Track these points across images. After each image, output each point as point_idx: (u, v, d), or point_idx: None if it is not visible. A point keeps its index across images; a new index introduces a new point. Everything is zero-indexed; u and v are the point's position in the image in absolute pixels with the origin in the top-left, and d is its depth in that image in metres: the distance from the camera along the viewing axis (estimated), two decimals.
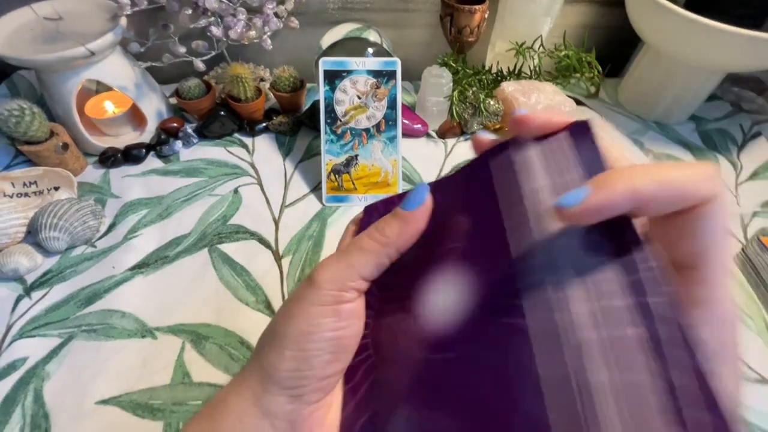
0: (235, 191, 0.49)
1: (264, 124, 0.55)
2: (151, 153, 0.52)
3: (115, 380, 0.34)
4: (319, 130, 0.47)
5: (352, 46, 0.51)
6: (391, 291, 0.21)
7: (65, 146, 0.46)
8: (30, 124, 0.43)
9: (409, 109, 0.56)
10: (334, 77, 0.45)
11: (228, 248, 0.43)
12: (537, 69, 0.59)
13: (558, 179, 0.16)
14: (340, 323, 0.20)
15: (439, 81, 0.53)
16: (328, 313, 0.20)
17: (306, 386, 0.19)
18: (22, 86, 0.56)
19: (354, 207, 0.48)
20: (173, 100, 0.57)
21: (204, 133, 0.54)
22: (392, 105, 0.46)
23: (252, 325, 0.38)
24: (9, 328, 0.37)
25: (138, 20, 0.49)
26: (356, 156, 0.47)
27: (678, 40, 0.50)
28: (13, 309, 0.38)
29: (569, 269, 0.15)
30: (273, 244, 0.44)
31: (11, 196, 0.44)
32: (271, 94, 0.57)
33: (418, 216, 0.20)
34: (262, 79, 0.61)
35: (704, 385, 0.12)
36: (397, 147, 0.47)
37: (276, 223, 0.46)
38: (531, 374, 0.14)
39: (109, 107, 0.53)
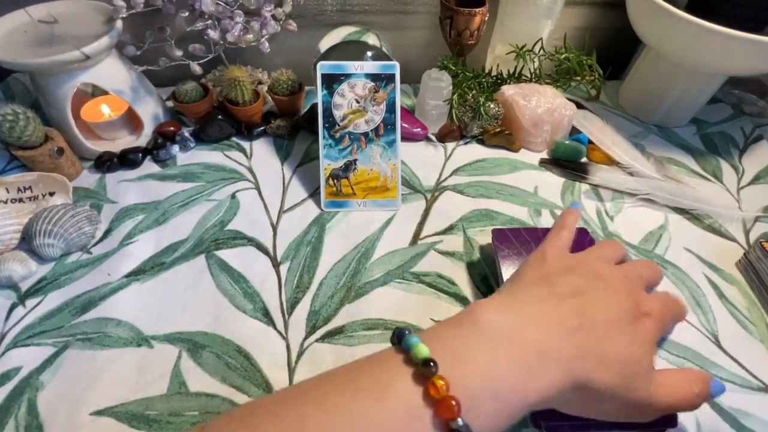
0: (233, 196, 0.48)
1: (262, 128, 0.55)
2: (148, 157, 0.52)
3: (110, 390, 0.34)
4: (317, 134, 0.46)
5: (351, 49, 0.51)
6: None
7: (60, 151, 0.46)
8: (24, 129, 0.43)
9: (409, 113, 0.56)
10: (332, 81, 0.45)
11: (225, 254, 0.43)
12: (537, 72, 0.59)
13: None
14: None
15: (438, 84, 0.53)
16: None
17: None
18: (17, 90, 0.56)
19: (353, 212, 0.47)
20: (170, 104, 0.57)
21: (201, 137, 0.54)
22: (391, 109, 0.46)
23: (250, 332, 0.37)
24: (3, 336, 0.36)
25: (134, 23, 0.49)
26: (355, 160, 0.47)
27: (679, 43, 0.50)
28: (7, 317, 0.38)
29: None
30: (271, 250, 0.43)
31: (5, 202, 0.44)
32: (269, 97, 0.56)
33: None
34: (259, 82, 0.61)
35: None
36: (397, 151, 0.47)
37: (274, 228, 0.45)
38: None
39: (105, 111, 0.53)
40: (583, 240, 0.40)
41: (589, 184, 0.51)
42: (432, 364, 0.22)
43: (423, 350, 0.22)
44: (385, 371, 0.23)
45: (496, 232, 0.41)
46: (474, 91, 0.55)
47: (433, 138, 0.56)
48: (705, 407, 0.34)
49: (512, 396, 0.23)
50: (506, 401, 0.22)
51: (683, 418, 0.33)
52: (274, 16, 0.50)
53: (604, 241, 0.35)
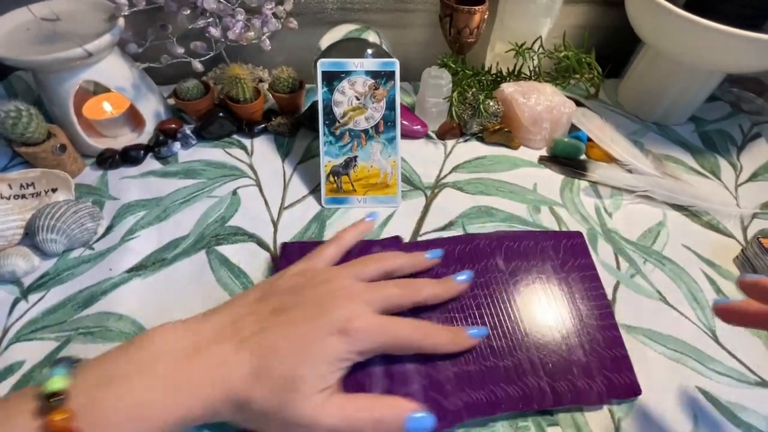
0: (234, 193, 0.48)
1: (263, 125, 0.55)
2: (150, 154, 0.52)
3: None
4: (318, 131, 0.47)
5: (351, 46, 0.51)
6: None
7: (63, 148, 0.46)
8: (27, 126, 0.43)
9: (409, 110, 0.56)
10: (332, 78, 0.45)
11: (226, 250, 0.43)
12: (536, 70, 0.59)
13: None
14: None
15: (438, 82, 0.53)
16: None
17: None
18: (20, 87, 0.56)
19: (353, 209, 0.47)
20: (171, 101, 0.57)
21: (202, 135, 0.54)
22: (391, 106, 0.46)
23: None
24: (6, 331, 0.37)
25: (136, 21, 0.49)
26: (355, 157, 0.47)
27: (677, 41, 0.50)
28: (10, 312, 0.38)
29: None
30: (272, 246, 0.44)
31: (8, 198, 0.44)
32: (270, 95, 0.57)
33: None
34: (260, 80, 0.61)
35: None
36: (396, 148, 0.47)
37: (275, 224, 0.46)
38: None
39: (107, 108, 0.53)
40: (393, 247, 0.40)
41: (588, 181, 0.52)
42: (58, 396, 0.22)
43: (56, 383, 0.22)
44: (9, 410, 0.22)
45: (284, 247, 0.40)
46: (474, 89, 0.55)
47: (433, 135, 0.57)
48: (703, 401, 0.34)
49: (153, 416, 0.23)
50: (146, 421, 0.23)
51: (681, 413, 0.34)
52: (275, 14, 0.51)
53: (376, 255, 0.35)
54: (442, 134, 0.56)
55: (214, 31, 0.48)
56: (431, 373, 0.33)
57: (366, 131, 0.47)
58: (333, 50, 0.51)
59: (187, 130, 0.53)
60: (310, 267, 0.33)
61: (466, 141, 0.56)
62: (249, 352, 0.26)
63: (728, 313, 0.28)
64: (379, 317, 0.30)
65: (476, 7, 0.54)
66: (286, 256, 0.40)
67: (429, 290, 0.34)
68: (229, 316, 0.28)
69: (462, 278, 0.36)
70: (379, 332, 0.29)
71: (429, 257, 0.38)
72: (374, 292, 0.31)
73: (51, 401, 0.22)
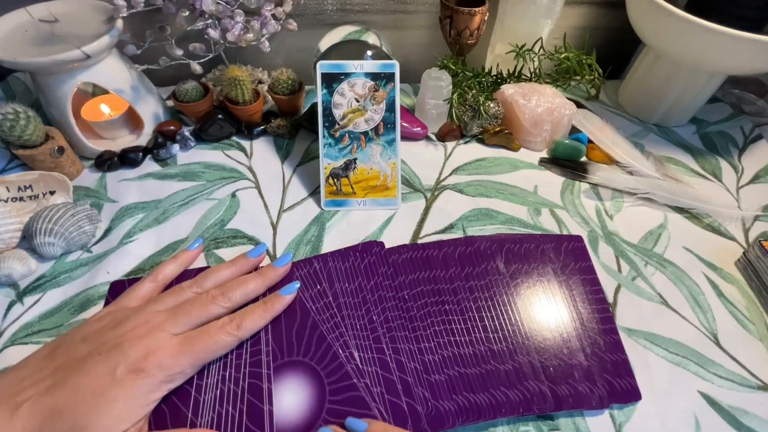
0: (233, 195, 0.48)
1: (262, 127, 0.55)
2: (148, 156, 0.52)
3: None
4: (317, 133, 0.46)
5: (351, 48, 0.51)
6: None
7: (61, 150, 0.46)
8: (25, 128, 0.43)
9: (409, 112, 0.56)
10: (331, 80, 0.45)
11: (225, 253, 0.43)
12: (537, 71, 0.59)
13: None
14: None
15: (438, 83, 0.53)
16: None
17: None
18: (18, 89, 0.56)
19: (352, 211, 0.47)
20: (170, 103, 0.57)
21: (201, 137, 0.54)
22: (391, 108, 0.46)
23: None
24: (0, 334, 0.36)
25: (134, 22, 0.49)
26: (355, 159, 0.47)
27: (678, 43, 0.50)
28: (5, 315, 0.38)
29: None
30: (271, 249, 0.43)
31: (6, 201, 0.44)
32: (269, 96, 0.57)
33: None
34: (260, 82, 0.61)
35: None
36: (396, 150, 0.47)
37: (274, 227, 0.45)
38: None
39: (105, 110, 0.53)
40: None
41: (589, 183, 0.51)
42: None
43: None
44: None
45: (112, 286, 0.38)
46: (474, 91, 0.55)
47: (433, 137, 0.56)
48: (704, 405, 0.34)
49: None
50: None
51: (683, 418, 0.33)
52: (274, 16, 0.51)
53: (198, 276, 0.34)
54: (442, 136, 0.56)
55: (213, 33, 0.48)
56: (427, 376, 0.33)
57: (366, 133, 0.46)
58: (332, 52, 0.51)
59: (186, 132, 0.53)
60: (120, 307, 0.32)
61: (466, 143, 0.56)
62: (28, 414, 0.25)
63: None
64: (179, 338, 0.30)
65: (476, 9, 0.54)
66: (113, 295, 0.38)
67: (240, 289, 0.33)
68: (14, 377, 0.27)
69: (281, 262, 0.36)
70: (183, 353, 0.29)
71: (251, 256, 0.37)
72: (175, 316, 0.31)
73: None
